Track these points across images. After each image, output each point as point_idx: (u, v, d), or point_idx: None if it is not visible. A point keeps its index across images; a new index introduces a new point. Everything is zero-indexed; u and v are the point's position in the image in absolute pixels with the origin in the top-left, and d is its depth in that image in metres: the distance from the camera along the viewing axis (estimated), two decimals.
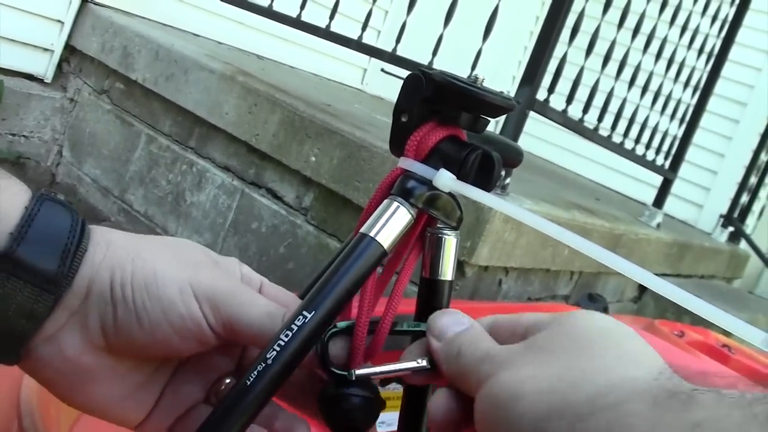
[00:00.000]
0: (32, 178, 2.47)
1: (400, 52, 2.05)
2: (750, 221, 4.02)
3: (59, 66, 2.56)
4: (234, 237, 2.10)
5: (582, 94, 2.10)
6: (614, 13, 2.08)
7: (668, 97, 2.71)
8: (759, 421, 0.25)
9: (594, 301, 1.66)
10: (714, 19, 2.75)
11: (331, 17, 2.23)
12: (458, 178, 0.42)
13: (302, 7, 2.30)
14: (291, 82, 2.54)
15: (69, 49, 2.55)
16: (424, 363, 0.40)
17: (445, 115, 0.43)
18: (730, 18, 2.80)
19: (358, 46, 2.14)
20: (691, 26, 2.60)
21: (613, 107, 2.31)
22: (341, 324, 0.41)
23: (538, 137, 3.97)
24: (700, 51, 2.76)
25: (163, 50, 2.27)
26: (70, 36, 2.52)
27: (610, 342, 0.33)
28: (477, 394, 0.35)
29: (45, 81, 2.53)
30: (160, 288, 0.38)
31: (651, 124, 2.68)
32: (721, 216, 3.81)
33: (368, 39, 2.22)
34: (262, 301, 0.40)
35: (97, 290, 0.38)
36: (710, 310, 0.33)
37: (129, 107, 2.40)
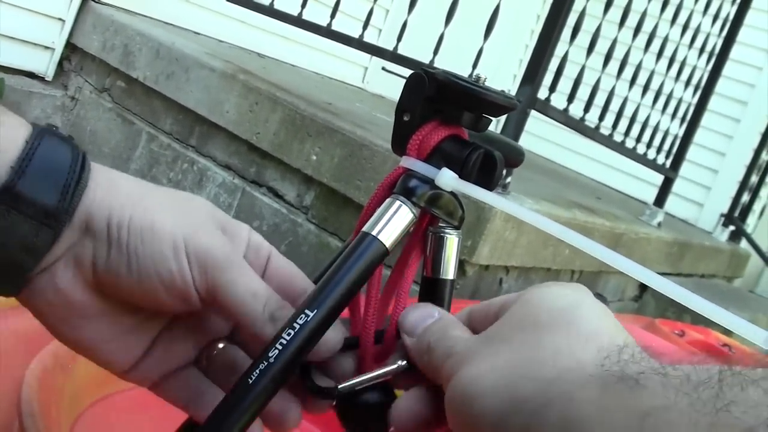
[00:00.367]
0: None
1: (401, 51, 2.05)
2: (751, 220, 4.02)
3: (60, 64, 2.56)
4: None
5: (583, 92, 2.10)
6: (615, 12, 2.07)
7: (669, 96, 2.71)
8: (706, 410, 0.24)
9: None
10: (715, 18, 2.75)
11: (332, 16, 2.23)
12: (460, 177, 0.42)
13: (303, 5, 2.30)
14: (292, 80, 2.54)
15: (70, 47, 2.55)
16: (404, 363, 0.40)
17: (448, 115, 0.44)
18: (731, 17, 2.79)
19: (359, 44, 2.14)
20: (693, 25, 2.60)
21: (614, 106, 2.31)
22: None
23: (539, 136, 3.97)
24: (701, 50, 2.75)
25: (164, 48, 2.27)
26: (71, 34, 2.52)
27: (562, 323, 0.32)
28: (445, 393, 0.34)
29: (46, 79, 2.54)
30: (155, 239, 0.37)
31: (652, 123, 2.67)
32: (722, 215, 3.81)
33: (369, 37, 2.22)
34: (251, 280, 0.39)
35: (94, 227, 0.37)
36: (711, 308, 0.33)
37: (130, 105, 2.40)
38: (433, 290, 0.43)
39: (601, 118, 2.26)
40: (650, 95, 2.53)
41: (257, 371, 0.37)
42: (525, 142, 1.93)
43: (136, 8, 2.64)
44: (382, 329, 0.42)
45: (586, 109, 2.17)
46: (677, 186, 2.96)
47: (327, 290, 0.39)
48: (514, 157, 0.52)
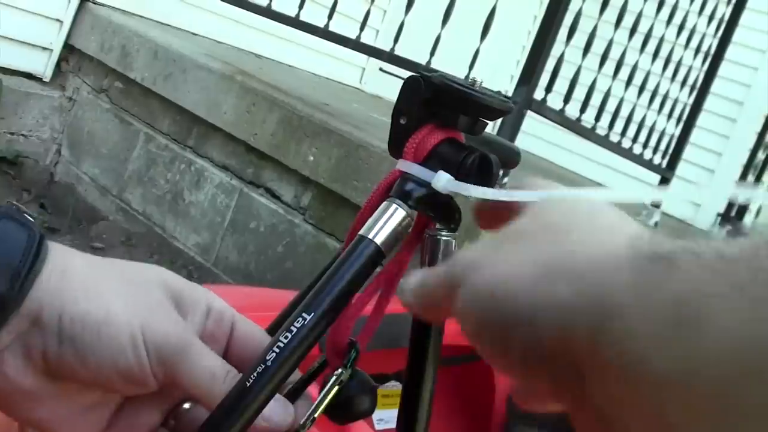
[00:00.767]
0: (31, 177, 2.47)
1: (398, 52, 2.05)
2: (747, 220, 4.03)
3: (58, 65, 2.56)
4: (232, 236, 2.10)
5: (579, 93, 2.11)
6: (611, 13, 2.08)
7: (665, 96, 2.72)
8: (746, 293, 0.22)
9: None
10: (711, 18, 2.75)
11: (330, 17, 2.24)
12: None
13: (301, 6, 2.31)
14: (289, 81, 2.54)
15: (68, 48, 2.55)
16: (339, 371, 0.42)
17: (444, 118, 0.44)
18: (726, 17, 2.80)
19: (356, 45, 2.15)
20: (688, 25, 2.61)
21: (611, 106, 2.32)
22: None
23: (535, 136, 3.97)
24: (697, 50, 2.76)
25: (162, 49, 2.27)
26: (68, 35, 2.52)
27: (584, 220, 0.31)
28: (455, 306, 0.31)
29: (44, 80, 2.54)
30: (111, 331, 0.37)
31: (648, 123, 2.68)
32: (719, 215, 3.82)
33: (366, 38, 2.23)
34: (208, 360, 0.39)
35: (46, 319, 0.36)
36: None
37: (128, 106, 2.40)
38: None
39: (598, 118, 2.27)
40: (646, 95, 2.54)
41: (255, 374, 0.38)
42: (521, 142, 1.93)
43: (134, 9, 2.65)
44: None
45: (583, 109, 2.17)
46: (674, 186, 2.96)
47: (323, 293, 0.40)
48: (511, 159, 0.52)
